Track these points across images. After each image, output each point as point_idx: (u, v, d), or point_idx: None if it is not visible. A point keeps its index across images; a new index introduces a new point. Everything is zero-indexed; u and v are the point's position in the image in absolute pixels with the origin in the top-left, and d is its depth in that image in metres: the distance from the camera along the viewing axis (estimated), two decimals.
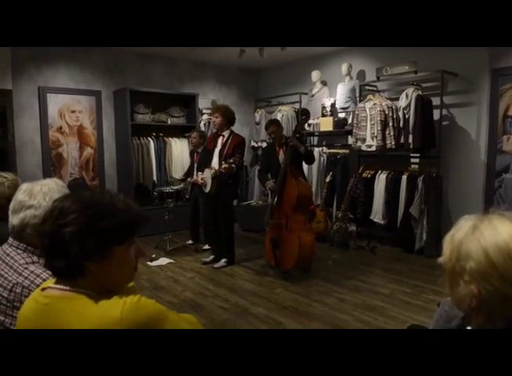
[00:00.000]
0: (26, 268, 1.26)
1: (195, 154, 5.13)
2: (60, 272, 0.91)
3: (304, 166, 4.64)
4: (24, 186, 1.39)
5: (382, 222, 4.94)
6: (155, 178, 5.87)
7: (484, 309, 0.82)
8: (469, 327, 0.92)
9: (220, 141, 4.26)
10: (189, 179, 5.17)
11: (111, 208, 0.91)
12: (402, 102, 4.68)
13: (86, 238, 0.86)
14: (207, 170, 4.19)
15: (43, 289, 0.95)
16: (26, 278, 1.23)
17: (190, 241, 5.26)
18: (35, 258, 1.31)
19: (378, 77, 5.05)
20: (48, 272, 1.23)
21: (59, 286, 0.92)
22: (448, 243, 0.87)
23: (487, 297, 0.80)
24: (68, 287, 0.91)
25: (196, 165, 4.96)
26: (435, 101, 4.57)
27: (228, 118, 4.21)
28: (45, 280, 1.17)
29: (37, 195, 1.35)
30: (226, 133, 4.24)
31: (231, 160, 3.94)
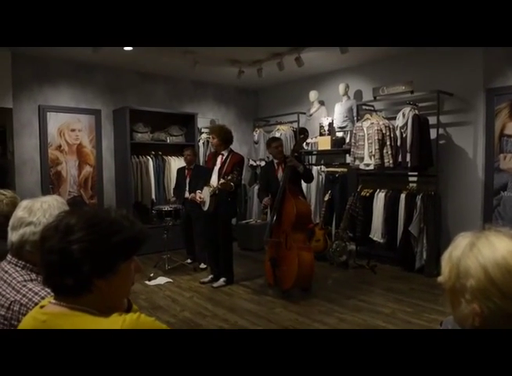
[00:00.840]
0: (24, 285, 1.24)
1: (186, 171, 5.18)
2: (67, 290, 0.89)
3: (303, 184, 4.65)
4: (24, 203, 1.39)
5: (381, 241, 4.93)
6: (154, 196, 5.87)
7: (488, 327, 0.81)
8: None
9: (219, 160, 4.28)
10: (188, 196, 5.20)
11: (118, 225, 0.91)
12: (399, 121, 4.73)
13: (96, 255, 0.86)
14: (205, 188, 4.20)
15: (42, 307, 0.93)
16: (24, 296, 1.21)
17: (189, 260, 5.21)
18: (34, 276, 1.29)
19: (375, 97, 5.12)
20: (46, 289, 1.21)
21: (58, 302, 0.90)
22: (446, 261, 0.86)
23: (489, 315, 0.79)
24: (68, 304, 0.89)
25: (187, 181, 5.07)
26: (432, 120, 4.63)
27: (224, 138, 4.24)
28: (43, 298, 1.16)
29: (37, 212, 1.34)
30: (225, 152, 4.27)
31: (229, 178, 3.96)
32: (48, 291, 1.20)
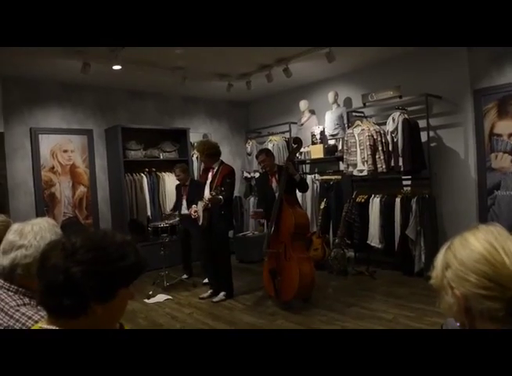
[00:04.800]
0: (17, 310, 1.22)
1: (182, 188, 5.17)
2: (63, 311, 0.87)
3: (298, 194, 4.66)
4: (15, 226, 1.38)
5: (379, 246, 4.91)
6: (149, 213, 5.85)
7: (472, 307, 0.83)
8: None
9: (210, 173, 4.29)
10: (176, 213, 5.19)
11: (124, 250, 0.90)
12: (390, 126, 4.77)
13: (100, 279, 0.85)
14: (199, 203, 4.19)
15: None
16: (17, 321, 1.19)
17: (185, 276, 5.18)
18: (27, 300, 1.27)
19: (364, 104, 5.16)
20: (40, 313, 1.19)
21: (51, 327, 0.89)
22: (434, 267, 0.95)
23: (469, 295, 0.83)
24: (60, 328, 0.87)
25: (184, 198, 5.07)
26: (422, 123, 4.67)
27: (209, 154, 4.24)
28: (36, 322, 1.14)
29: (28, 234, 1.33)
30: (216, 165, 4.27)
31: (213, 193, 3.95)
32: (42, 314, 1.18)
